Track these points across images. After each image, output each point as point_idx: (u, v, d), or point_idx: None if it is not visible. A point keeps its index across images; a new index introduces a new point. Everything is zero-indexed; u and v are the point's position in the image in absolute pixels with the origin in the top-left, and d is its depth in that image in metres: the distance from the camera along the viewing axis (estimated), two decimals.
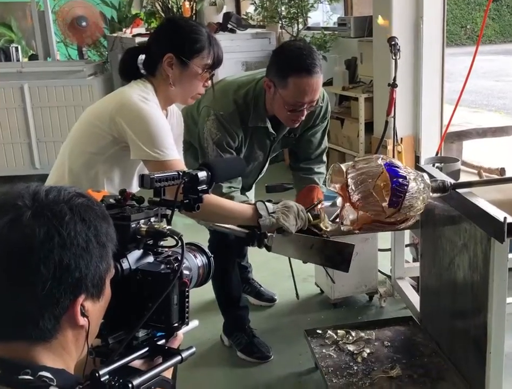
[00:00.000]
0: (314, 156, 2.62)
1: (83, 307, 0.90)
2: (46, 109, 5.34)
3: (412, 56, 4.52)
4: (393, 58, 3.18)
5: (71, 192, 0.91)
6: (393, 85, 3.24)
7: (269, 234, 1.95)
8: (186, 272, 1.07)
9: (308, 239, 2.08)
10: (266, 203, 1.96)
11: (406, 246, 3.13)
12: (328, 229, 2.11)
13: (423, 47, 4.46)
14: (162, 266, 1.04)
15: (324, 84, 5.51)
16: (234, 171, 1.60)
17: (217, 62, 1.91)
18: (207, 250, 1.21)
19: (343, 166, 1.94)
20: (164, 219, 1.13)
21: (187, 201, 1.21)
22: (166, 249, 1.09)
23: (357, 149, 5.00)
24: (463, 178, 4.94)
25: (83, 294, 0.90)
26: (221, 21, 5.99)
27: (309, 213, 2.11)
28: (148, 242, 1.07)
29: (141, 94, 1.83)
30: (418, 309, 2.68)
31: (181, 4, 7.34)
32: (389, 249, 3.10)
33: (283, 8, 5.64)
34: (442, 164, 3.22)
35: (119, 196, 1.08)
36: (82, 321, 0.90)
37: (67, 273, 0.87)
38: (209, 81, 1.95)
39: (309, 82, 2.16)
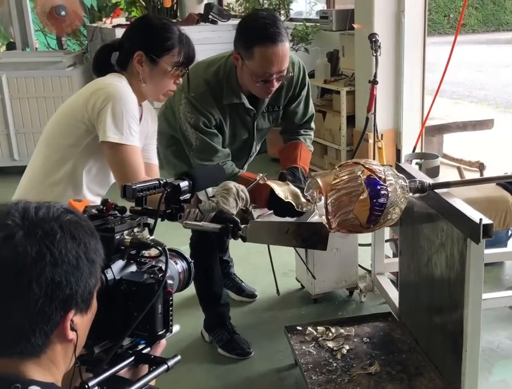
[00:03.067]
0: (301, 123, 2.60)
1: (72, 322, 0.92)
2: (24, 100, 5.28)
3: (393, 50, 4.53)
4: (374, 54, 3.19)
5: (59, 208, 0.93)
6: (373, 82, 3.26)
7: (243, 226, 1.96)
8: (169, 281, 1.09)
9: (283, 223, 2.08)
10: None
11: (386, 241, 3.16)
12: (304, 209, 2.10)
13: (405, 40, 4.47)
14: (146, 276, 1.06)
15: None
16: (215, 179, 1.60)
17: (188, 60, 1.92)
18: (187, 256, 1.23)
19: (319, 181, 1.92)
20: (147, 228, 1.14)
21: (169, 210, 1.22)
22: (149, 260, 1.10)
23: (339, 142, 5.01)
24: (444, 171, 5.00)
25: (73, 310, 0.92)
26: (202, 12, 5.94)
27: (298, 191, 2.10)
28: (131, 252, 1.08)
29: (115, 79, 1.87)
30: (397, 305, 2.71)
31: None
32: (369, 244, 3.13)
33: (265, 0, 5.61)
34: (422, 160, 3.26)
35: (101, 207, 1.09)
36: (71, 335, 0.92)
37: (58, 290, 0.89)
38: (181, 79, 1.95)
39: (275, 51, 2.12)
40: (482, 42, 15.98)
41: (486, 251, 2.02)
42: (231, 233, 1.86)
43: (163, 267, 1.06)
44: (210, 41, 5.39)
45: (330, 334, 2.57)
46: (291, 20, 6.05)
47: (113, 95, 1.78)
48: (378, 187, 1.92)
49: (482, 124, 5.69)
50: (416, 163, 3.29)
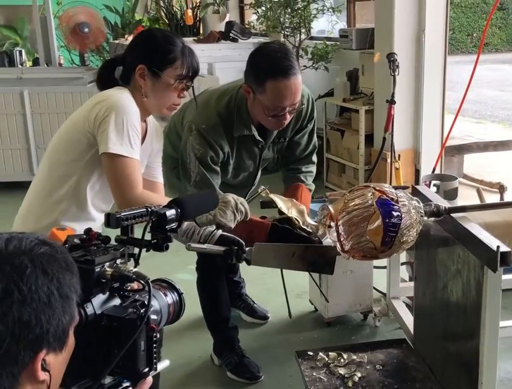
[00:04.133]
0: (302, 157, 2.55)
1: (44, 362, 0.85)
2: (45, 115, 5.32)
3: (413, 69, 4.48)
4: (392, 74, 3.14)
5: (33, 240, 0.86)
6: (391, 102, 3.21)
7: (247, 248, 1.92)
8: (153, 316, 1.03)
9: (289, 247, 2.02)
10: None
11: (402, 264, 3.10)
12: (312, 230, 2.04)
13: (425, 60, 4.42)
14: (129, 310, 1.00)
15: (326, 95, 5.52)
16: (206, 207, 1.53)
17: (192, 73, 1.88)
18: (178, 286, 1.17)
19: (330, 207, 1.89)
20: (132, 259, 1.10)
21: (155, 241, 1.17)
22: (133, 293, 1.05)
23: (357, 161, 4.96)
24: (463, 192, 4.91)
25: (44, 349, 0.85)
26: (223, 29, 5.96)
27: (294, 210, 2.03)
28: (114, 285, 1.03)
29: (118, 91, 1.84)
30: (412, 332, 2.64)
31: (184, 10, 7.33)
32: (385, 267, 3.06)
33: (286, 18, 5.61)
34: (440, 182, 3.19)
35: (84, 236, 1.04)
36: (43, 376, 0.85)
37: (27, 330, 0.82)
38: (186, 92, 1.92)
39: (287, 85, 2.08)
40: (505, 62, 15.81)
41: (505, 277, 1.95)
42: (235, 256, 1.82)
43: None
44: (231, 59, 5.41)
45: (342, 360, 2.50)
46: (312, 38, 6.04)
47: (114, 106, 1.75)
48: (390, 207, 1.87)
49: (503, 145, 5.59)
50: (434, 185, 3.22)
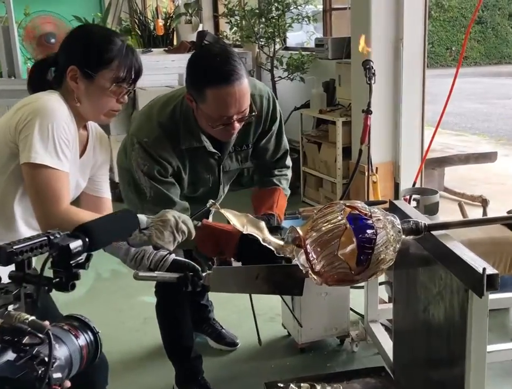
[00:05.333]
0: (274, 161, 2.30)
1: None
2: None
3: (392, 79, 4.32)
4: (368, 82, 2.96)
5: None
6: (367, 111, 3.01)
7: (203, 274, 1.69)
8: (57, 374, 0.82)
9: (252, 268, 1.78)
10: (139, 216, 1.61)
11: (381, 284, 2.89)
12: (274, 248, 1.81)
13: (403, 69, 4.27)
14: (25, 370, 0.79)
15: (302, 106, 5.35)
16: (123, 230, 1.30)
17: (133, 75, 1.66)
18: (92, 324, 0.97)
19: (299, 230, 1.67)
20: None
21: (57, 279, 0.95)
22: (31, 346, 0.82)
23: (334, 174, 4.78)
24: (444, 205, 4.74)
25: None
26: (195, 40, 5.78)
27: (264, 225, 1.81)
28: (5, 338, 0.81)
29: (45, 94, 1.61)
30: (391, 359, 2.43)
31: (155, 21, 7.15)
32: (362, 287, 2.86)
33: (260, 28, 5.45)
34: (420, 196, 3.00)
35: None
36: None
37: None
38: (126, 97, 1.69)
39: (230, 92, 1.83)
40: (485, 75, 15.89)
41: (491, 296, 1.75)
42: (190, 284, 1.60)
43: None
44: None
45: None
46: (287, 48, 5.88)
47: (39, 110, 1.52)
48: (363, 222, 1.66)
49: (484, 157, 5.45)
50: (414, 200, 3.03)
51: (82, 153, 1.73)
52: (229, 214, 1.76)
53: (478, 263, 1.67)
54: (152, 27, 7.46)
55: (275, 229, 1.91)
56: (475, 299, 1.67)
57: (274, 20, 5.30)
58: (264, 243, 1.72)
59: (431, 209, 2.96)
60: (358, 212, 1.65)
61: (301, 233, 1.65)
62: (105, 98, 1.64)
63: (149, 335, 2.89)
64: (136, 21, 7.62)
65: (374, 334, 2.65)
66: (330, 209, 1.65)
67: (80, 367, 0.94)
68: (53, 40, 5.85)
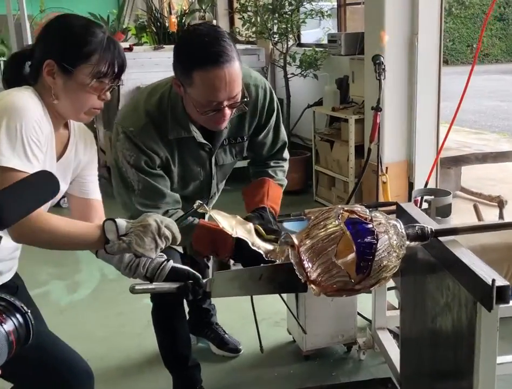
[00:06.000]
0: (271, 155, 2.19)
1: None
2: None
3: (406, 75, 4.20)
4: (378, 78, 2.83)
5: None
6: (376, 109, 2.88)
7: (204, 280, 1.60)
8: None
9: (255, 269, 1.68)
10: (118, 221, 1.52)
11: (389, 289, 2.77)
12: (264, 252, 1.71)
13: (418, 65, 4.13)
14: None
15: (315, 104, 5.23)
16: (37, 197, 1.04)
17: (116, 70, 1.55)
18: (19, 304, 0.89)
19: (295, 238, 1.57)
20: None
21: None
22: None
23: (347, 173, 4.66)
24: (460, 206, 4.59)
25: None
26: None
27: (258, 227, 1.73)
28: None
29: (16, 90, 1.51)
30: (398, 369, 2.31)
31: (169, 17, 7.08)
32: (370, 292, 2.74)
33: (273, 24, 5.33)
34: (432, 198, 2.87)
35: None
36: None
37: None
38: (108, 94, 1.58)
39: (219, 75, 1.70)
40: (506, 72, 15.58)
41: (503, 305, 1.63)
42: (191, 293, 1.51)
43: None
44: None
45: None
46: (300, 45, 5.76)
47: (6, 108, 1.42)
48: (362, 226, 1.55)
49: (503, 156, 5.28)
50: (425, 201, 2.90)
51: (62, 154, 1.63)
52: (218, 216, 1.66)
53: (487, 273, 1.54)
54: (166, 24, 7.40)
55: (271, 233, 1.81)
56: (483, 313, 1.55)
57: (287, 16, 5.18)
58: (253, 247, 1.63)
59: (444, 212, 2.81)
60: (357, 216, 1.54)
61: (295, 241, 1.54)
62: (85, 95, 1.53)
63: (150, 339, 2.80)
64: (152, 18, 7.56)
65: (381, 342, 2.54)
66: (326, 214, 1.55)
67: (9, 355, 0.87)
68: None
